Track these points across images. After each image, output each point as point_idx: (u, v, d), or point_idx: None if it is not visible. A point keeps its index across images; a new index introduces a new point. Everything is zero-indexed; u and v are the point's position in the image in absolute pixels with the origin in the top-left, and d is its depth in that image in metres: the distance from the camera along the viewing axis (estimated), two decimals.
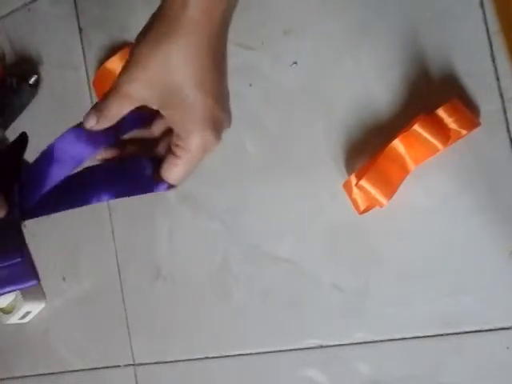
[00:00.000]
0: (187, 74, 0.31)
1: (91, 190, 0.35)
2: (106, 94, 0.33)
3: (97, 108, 0.33)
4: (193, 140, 0.33)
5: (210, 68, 0.31)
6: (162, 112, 0.33)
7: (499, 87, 0.46)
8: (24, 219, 0.32)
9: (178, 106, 0.31)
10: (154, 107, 0.32)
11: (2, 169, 0.33)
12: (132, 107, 0.32)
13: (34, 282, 0.31)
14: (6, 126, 0.71)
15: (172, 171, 0.34)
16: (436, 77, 0.48)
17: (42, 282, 0.78)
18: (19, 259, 0.30)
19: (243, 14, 0.56)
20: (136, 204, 0.63)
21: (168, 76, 0.31)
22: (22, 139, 0.36)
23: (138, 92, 0.32)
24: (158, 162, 0.35)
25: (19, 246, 0.30)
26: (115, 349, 0.66)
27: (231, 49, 0.33)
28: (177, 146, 0.33)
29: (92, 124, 0.32)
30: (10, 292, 0.31)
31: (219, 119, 0.33)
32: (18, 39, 0.71)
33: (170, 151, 0.34)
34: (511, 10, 0.45)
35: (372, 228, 0.51)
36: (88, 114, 0.33)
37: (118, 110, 0.32)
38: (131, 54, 0.32)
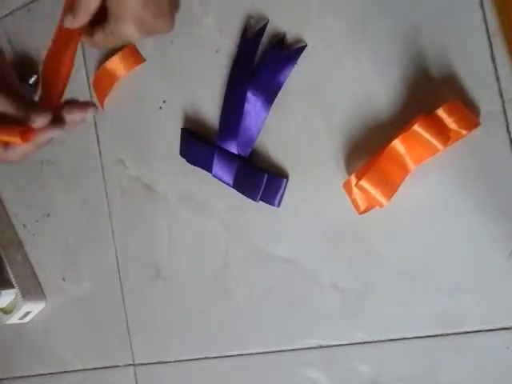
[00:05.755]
0: None
1: None
2: None
3: (69, 9, 0.43)
4: (119, 25, 0.45)
5: None
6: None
7: (499, 87, 0.46)
8: None
9: None
10: None
11: None
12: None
13: None
14: None
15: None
16: (436, 77, 0.48)
17: (42, 282, 0.78)
18: None
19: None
20: (136, 204, 0.63)
21: None
22: None
23: None
24: None
25: None
26: (115, 349, 0.66)
27: None
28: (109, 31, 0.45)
29: (70, 21, 0.44)
30: None
31: (144, 18, 0.45)
32: (17, 39, 0.71)
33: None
34: (511, 10, 0.45)
35: (372, 228, 0.51)
36: (64, 16, 0.44)
37: (86, 3, 0.43)
38: None
